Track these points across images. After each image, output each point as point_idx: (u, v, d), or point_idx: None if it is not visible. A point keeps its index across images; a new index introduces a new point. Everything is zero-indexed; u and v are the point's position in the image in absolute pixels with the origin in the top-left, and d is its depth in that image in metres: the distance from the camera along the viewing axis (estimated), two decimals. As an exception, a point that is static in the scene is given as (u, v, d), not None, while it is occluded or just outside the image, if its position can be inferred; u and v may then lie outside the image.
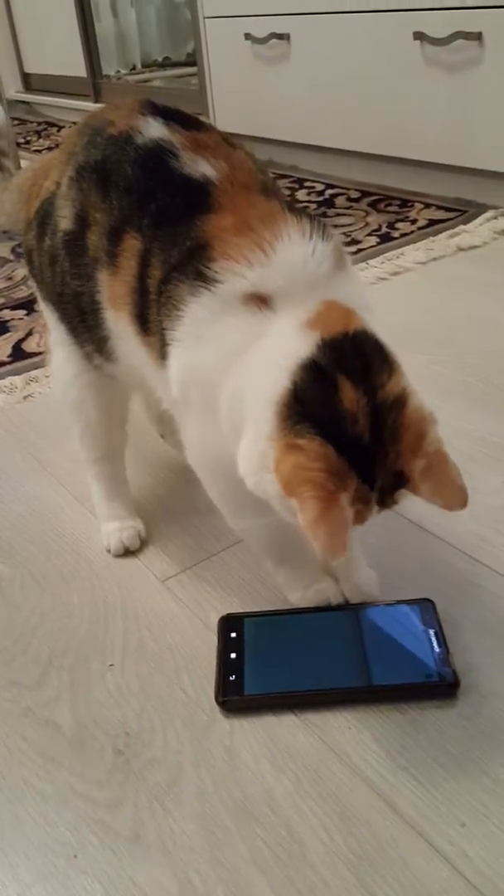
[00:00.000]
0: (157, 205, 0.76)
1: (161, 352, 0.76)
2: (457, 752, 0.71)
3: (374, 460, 0.64)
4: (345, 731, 0.75)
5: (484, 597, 0.88)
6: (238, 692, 0.78)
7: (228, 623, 0.85)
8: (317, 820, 0.67)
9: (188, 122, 0.81)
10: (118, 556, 0.99)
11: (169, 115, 0.81)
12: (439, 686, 0.77)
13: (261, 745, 0.74)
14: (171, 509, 1.06)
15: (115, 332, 0.83)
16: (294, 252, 0.69)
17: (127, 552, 1.00)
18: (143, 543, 1.01)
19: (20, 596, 0.95)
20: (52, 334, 0.94)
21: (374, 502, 0.65)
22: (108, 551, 1.00)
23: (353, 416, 0.63)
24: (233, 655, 0.82)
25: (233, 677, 0.79)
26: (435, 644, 0.80)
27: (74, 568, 0.98)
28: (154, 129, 0.79)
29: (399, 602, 0.85)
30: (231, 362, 0.69)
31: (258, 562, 0.91)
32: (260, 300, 0.69)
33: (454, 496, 0.65)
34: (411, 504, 0.69)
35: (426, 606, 0.85)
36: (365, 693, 0.77)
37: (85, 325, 0.86)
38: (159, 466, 1.15)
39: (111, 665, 0.84)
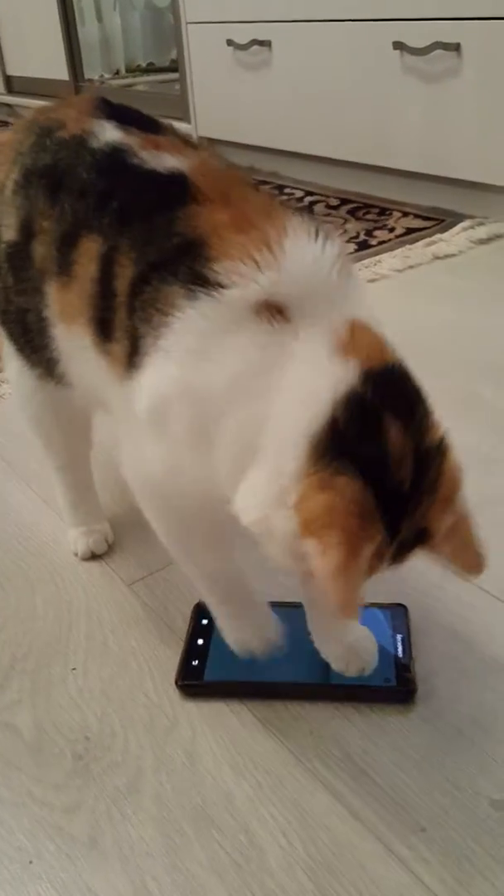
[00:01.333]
0: (119, 202, 0.69)
1: (128, 361, 0.67)
2: (418, 756, 0.71)
3: (406, 511, 0.57)
4: (307, 735, 0.74)
5: (452, 603, 0.87)
6: (198, 677, 0.79)
7: (202, 610, 0.85)
8: (276, 825, 0.67)
9: (144, 123, 0.75)
10: (85, 559, 0.98)
11: (124, 117, 0.75)
12: (396, 691, 0.77)
13: (222, 749, 0.73)
14: (140, 514, 1.05)
15: (66, 351, 0.77)
16: (304, 252, 0.61)
17: (94, 556, 0.99)
18: (111, 547, 1.00)
19: (-16, 598, 0.94)
20: (4, 345, 0.88)
21: (389, 557, 0.58)
22: (76, 555, 0.99)
23: (398, 459, 0.56)
24: (200, 641, 0.83)
25: (195, 662, 0.81)
26: (400, 649, 0.81)
27: (39, 570, 0.97)
28: (109, 133, 0.73)
29: (372, 605, 0.85)
30: (244, 387, 0.60)
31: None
32: (274, 309, 0.60)
33: (474, 563, 0.61)
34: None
35: (398, 611, 0.85)
36: (321, 690, 0.77)
37: (31, 346, 0.80)
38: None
39: (73, 669, 0.83)
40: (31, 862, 0.66)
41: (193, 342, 0.62)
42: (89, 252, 0.70)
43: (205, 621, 0.85)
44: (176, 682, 0.79)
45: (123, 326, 0.67)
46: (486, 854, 0.63)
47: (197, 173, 0.68)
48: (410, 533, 0.58)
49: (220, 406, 0.61)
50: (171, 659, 0.82)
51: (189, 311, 0.61)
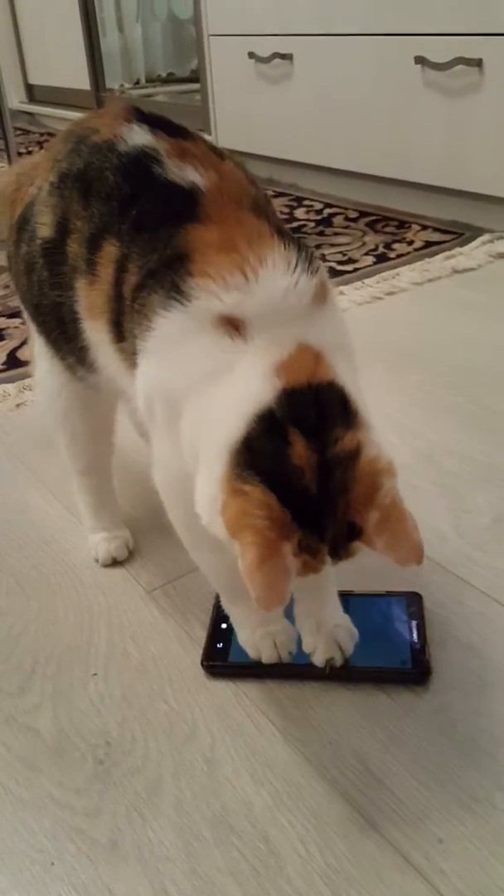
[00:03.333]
0: (137, 210, 0.73)
1: (131, 360, 0.74)
2: (435, 768, 0.72)
3: (323, 512, 0.62)
4: (325, 745, 0.75)
5: (469, 616, 0.88)
6: (223, 658, 0.83)
7: None
8: (294, 833, 0.67)
9: (174, 129, 0.79)
10: (106, 565, 0.99)
11: (154, 123, 0.78)
12: (412, 673, 0.80)
13: (241, 757, 0.74)
14: (160, 520, 1.06)
15: (93, 342, 0.82)
16: (276, 282, 0.67)
17: (114, 562, 1.00)
18: (131, 553, 1.01)
19: (5, 603, 0.95)
20: (35, 344, 0.92)
21: (326, 553, 0.63)
22: (97, 561, 1.00)
23: (299, 469, 0.61)
24: (223, 626, 0.86)
25: (220, 645, 0.84)
26: (415, 635, 0.84)
27: (61, 576, 0.99)
28: (138, 136, 0.76)
29: (389, 593, 0.89)
30: (195, 389, 0.67)
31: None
32: (233, 325, 0.66)
33: (409, 552, 0.63)
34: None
35: (413, 598, 0.89)
36: (340, 672, 0.80)
37: (65, 337, 0.84)
38: (148, 477, 1.15)
39: (94, 674, 0.84)
40: (52, 863, 0.67)
41: (165, 344, 0.69)
42: (109, 255, 0.75)
43: None
44: (202, 663, 0.83)
45: (128, 329, 0.74)
46: (502, 866, 0.64)
47: (213, 191, 0.72)
48: (340, 529, 0.63)
49: (179, 403, 0.68)
50: (190, 667, 0.84)
51: (163, 318, 0.68)
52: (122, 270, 0.73)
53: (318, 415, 0.63)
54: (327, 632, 0.81)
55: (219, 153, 0.78)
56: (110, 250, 0.74)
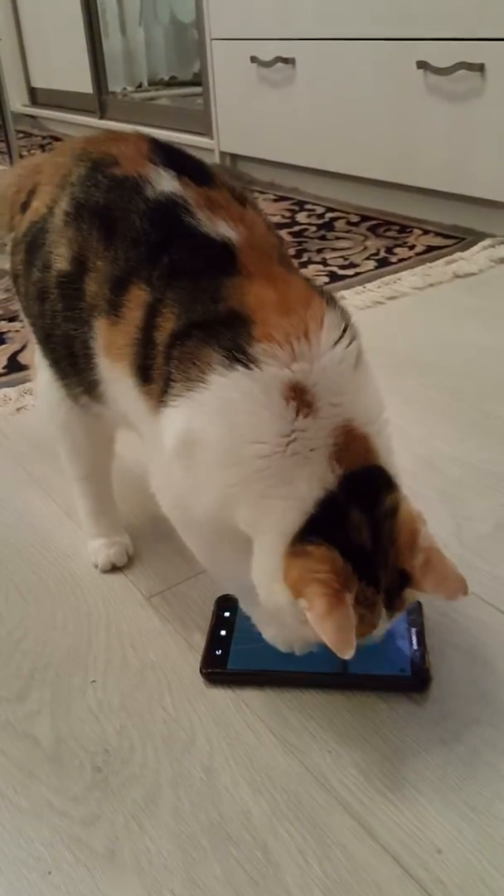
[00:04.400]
0: (170, 258, 0.74)
1: (160, 399, 0.74)
2: (435, 778, 0.71)
3: (377, 564, 0.68)
4: (325, 754, 0.74)
5: (469, 624, 0.88)
6: (222, 665, 0.83)
7: (224, 603, 0.90)
8: (293, 843, 0.67)
9: (198, 173, 0.79)
10: (105, 571, 0.99)
11: (178, 164, 0.79)
12: (411, 681, 0.80)
13: (240, 766, 0.74)
14: (160, 527, 1.05)
15: (107, 378, 0.81)
16: (335, 350, 0.69)
17: (114, 568, 0.99)
18: (130, 560, 1.01)
19: (4, 608, 0.95)
20: (38, 353, 0.92)
21: (381, 604, 0.69)
22: (96, 567, 1.00)
23: (357, 526, 0.68)
24: (222, 633, 0.87)
25: (218, 652, 0.84)
26: (415, 642, 0.84)
27: (60, 582, 0.98)
28: (166, 183, 0.77)
29: None
30: (253, 462, 0.68)
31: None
32: (298, 392, 0.67)
33: (455, 586, 0.69)
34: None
35: (413, 606, 0.88)
36: (339, 680, 0.81)
37: (74, 368, 0.84)
38: (148, 483, 1.15)
39: (93, 681, 0.84)
40: (49, 872, 0.66)
41: (220, 404, 0.69)
42: (137, 299, 0.75)
43: (227, 614, 0.89)
44: (200, 670, 0.83)
45: (160, 371, 0.74)
46: (502, 877, 0.64)
47: (245, 245, 0.74)
48: (392, 578, 0.69)
49: (229, 469, 0.70)
50: (189, 674, 0.83)
51: (226, 376, 0.68)
52: (154, 315, 0.74)
53: (371, 491, 0.69)
54: None
55: (240, 199, 0.79)
56: (139, 294, 0.74)
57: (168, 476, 0.77)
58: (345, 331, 0.71)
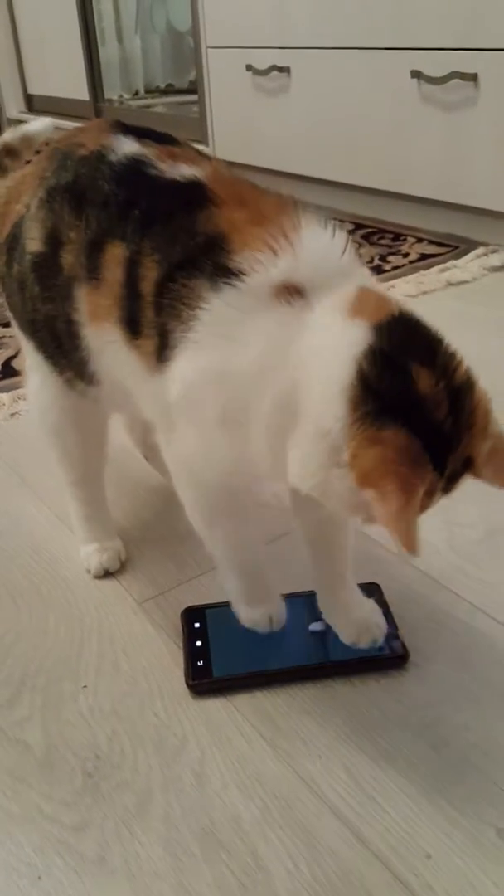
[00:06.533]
0: (140, 210, 0.73)
1: (158, 355, 0.72)
2: (425, 783, 0.72)
3: (450, 447, 0.61)
4: (315, 759, 0.75)
5: (460, 629, 0.88)
6: (207, 675, 0.83)
7: (191, 614, 0.90)
8: (283, 848, 0.67)
9: (160, 137, 0.80)
10: (98, 577, 0.99)
11: (141, 133, 0.80)
12: (390, 658, 0.83)
13: (230, 771, 0.74)
14: (152, 532, 1.07)
15: (95, 348, 0.80)
16: (319, 239, 0.67)
17: (106, 573, 0.99)
18: (123, 565, 1.01)
19: (-3, 613, 0.95)
20: (27, 359, 0.92)
21: (440, 490, 0.63)
22: (88, 572, 1.00)
23: (435, 402, 0.60)
24: (198, 643, 0.87)
25: (200, 663, 0.84)
26: (384, 622, 0.86)
27: (52, 587, 0.98)
28: (127, 146, 0.78)
29: None
30: (272, 364, 0.64)
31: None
32: (292, 291, 0.65)
33: None
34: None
35: (373, 588, 0.91)
36: (323, 669, 0.83)
37: (61, 351, 0.84)
38: (142, 488, 1.15)
39: (84, 686, 0.84)
40: (39, 878, 0.66)
41: (221, 329, 0.67)
42: (115, 257, 0.74)
43: (197, 625, 0.89)
44: (187, 683, 0.82)
45: (151, 323, 0.72)
46: (491, 883, 0.64)
47: (212, 180, 0.73)
48: (457, 465, 0.62)
49: (251, 385, 0.65)
50: (180, 679, 0.83)
51: (214, 301, 0.66)
52: (136, 267, 0.73)
53: (422, 342, 0.62)
54: (361, 619, 0.85)
55: (204, 156, 0.80)
56: (116, 252, 0.74)
57: (175, 434, 0.75)
58: (326, 225, 0.69)
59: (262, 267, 0.65)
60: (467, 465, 0.63)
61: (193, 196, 0.72)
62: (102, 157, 0.78)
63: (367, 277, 0.70)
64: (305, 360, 0.63)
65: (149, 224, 0.73)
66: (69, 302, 0.80)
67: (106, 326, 0.77)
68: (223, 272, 0.66)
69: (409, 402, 0.60)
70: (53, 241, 0.80)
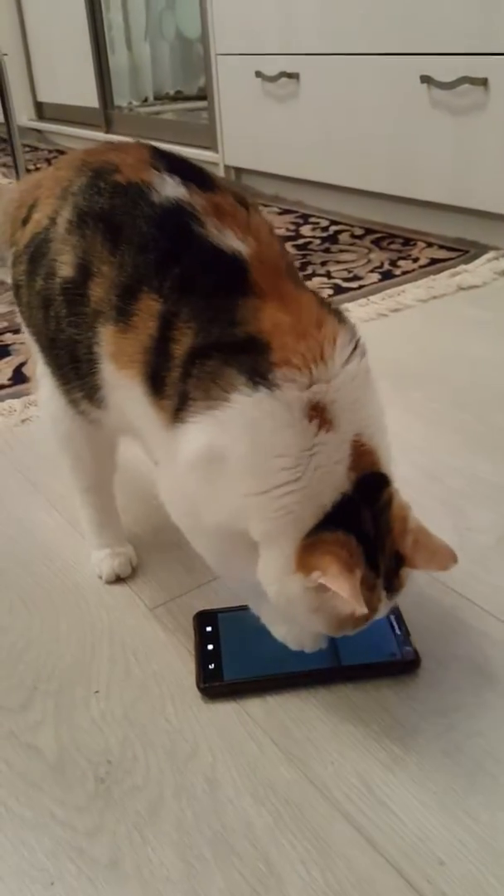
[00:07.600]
0: (181, 270, 0.74)
1: (175, 414, 0.74)
2: (438, 789, 0.71)
3: (377, 549, 0.71)
4: (327, 765, 0.74)
5: (471, 635, 0.88)
6: (218, 678, 0.83)
7: (203, 618, 0.91)
8: (296, 854, 0.67)
9: (201, 179, 0.79)
10: (109, 582, 0.99)
11: (181, 171, 0.79)
12: (402, 663, 0.83)
13: (242, 777, 0.74)
14: (163, 538, 1.07)
15: (110, 383, 0.81)
16: (346, 366, 0.72)
17: (118, 579, 1.00)
18: (134, 570, 1.01)
19: (8, 619, 0.95)
20: (39, 366, 0.92)
21: (381, 587, 0.72)
22: (100, 577, 1.00)
23: (363, 519, 0.72)
24: (210, 647, 0.87)
25: (212, 666, 0.85)
26: (396, 626, 0.87)
27: (63, 593, 0.99)
28: (171, 189, 0.77)
29: None
30: (279, 477, 0.70)
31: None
32: (318, 410, 0.70)
33: (445, 558, 0.73)
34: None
35: None
36: (334, 673, 0.83)
37: (77, 373, 0.84)
38: (152, 495, 1.15)
39: (96, 692, 0.84)
40: (52, 883, 0.66)
41: (248, 422, 0.70)
42: (149, 309, 0.75)
43: (209, 628, 0.89)
44: (198, 686, 0.82)
45: (175, 386, 0.74)
46: (505, 890, 0.63)
47: (255, 261, 0.75)
48: (390, 562, 0.73)
49: (247, 481, 0.72)
50: (192, 685, 0.83)
51: (250, 396, 0.70)
52: (170, 328, 0.74)
53: (373, 490, 0.73)
54: None
55: (244, 203, 0.80)
56: (150, 304, 0.75)
57: (182, 487, 0.78)
58: (355, 348, 0.73)
59: (299, 386, 0.69)
60: (400, 561, 0.73)
61: (236, 278, 0.74)
62: (142, 194, 0.77)
63: (374, 400, 0.76)
64: (306, 490, 0.71)
65: (188, 289, 0.74)
66: (92, 334, 0.80)
67: (127, 374, 0.78)
68: (261, 377, 0.69)
69: (349, 518, 0.71)
70: (84, 270, 0.80)
